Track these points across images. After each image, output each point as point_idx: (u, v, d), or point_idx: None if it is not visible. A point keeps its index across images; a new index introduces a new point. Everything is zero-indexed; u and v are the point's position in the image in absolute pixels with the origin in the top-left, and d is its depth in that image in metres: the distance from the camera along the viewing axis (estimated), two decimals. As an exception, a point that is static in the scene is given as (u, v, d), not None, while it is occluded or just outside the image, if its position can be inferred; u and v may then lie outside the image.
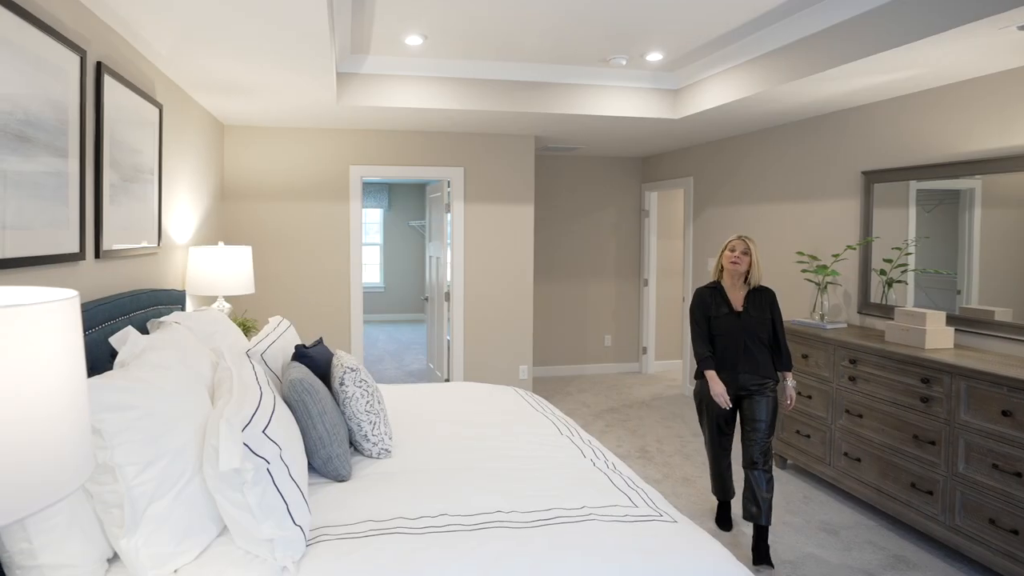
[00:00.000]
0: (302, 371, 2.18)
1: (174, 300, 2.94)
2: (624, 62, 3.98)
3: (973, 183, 3.15)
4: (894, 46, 2.70)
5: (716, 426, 3.03)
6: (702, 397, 3.02)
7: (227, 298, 4.49)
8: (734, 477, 3.68)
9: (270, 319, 2.82)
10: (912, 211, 3.49)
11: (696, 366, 3.01)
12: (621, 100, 4.34)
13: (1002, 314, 2.99)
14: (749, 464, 2.87)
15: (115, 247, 2.44)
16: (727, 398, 2.89)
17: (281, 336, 2.61)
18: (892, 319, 3.28)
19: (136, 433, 1.48)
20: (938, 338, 3.02)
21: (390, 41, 3.64)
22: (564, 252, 6.61)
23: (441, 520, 1.78)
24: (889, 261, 3.56)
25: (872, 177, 3.74)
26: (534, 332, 6.43)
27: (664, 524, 1.81)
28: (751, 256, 2.94)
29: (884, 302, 3.62)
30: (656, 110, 4.40)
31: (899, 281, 3.52)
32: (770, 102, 3.80)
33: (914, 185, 3.48)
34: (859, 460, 3.26)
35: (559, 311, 6.63)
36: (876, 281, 3.68)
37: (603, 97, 4.32)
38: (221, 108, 4.13)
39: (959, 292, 3.21)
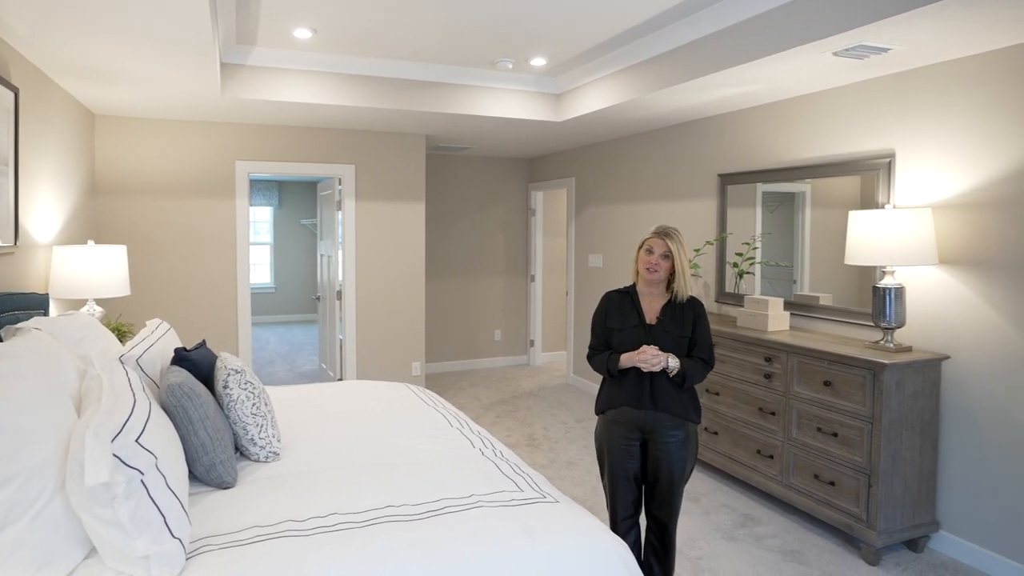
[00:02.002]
0: (182, 375, 2.14)
1: (35, 304, 2.77)
2: (510, 65, 4.16)
3: (804, 187, 3.63)
4: (737, 63, 3.07)
5: (615, 477, 2.33)
6: (602, 442, 2.36)
7: (99, 301, 4.22)
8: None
9: (148, 322, 2.72)
10: (759, 210, 3.95)
11: (597, 401, 2.39)
12: (508, 102, 4.53)
13: (825, 299, 3.48)
14: (649, 518, 2.38)
15: (-36, 250, 2.29)
16: (656, 359, 2.16)
17: (160, 340, 2.53)
18: (743, 306, 3.70)
19: None
20: (777, 322, 3.46)
21: (278, 33, 3.58)
22: (455, 250, 6.75)
23: (331, 519, 1.77)
24: (740, 255, 4.00)
25: (727, 179, 4.17)
26: (426, 329, 6.52)
27: (547, 505, 1.91)
28: (673, 261, 2.22)
29: (737, 291, 4.06)
30: (540, 113, 4.63)
31: (748, 272, 3.97)
32: (641, 108, 4.13)
33: (760, 187, 3.93)
34: (716, 433, 3.66)
35: (450, 308, 6.76)
36: (730, 273, 4.12)
37: (490, 99, 4.49)
38: (91, 96, 3.87)
39: (794, 281, 3.69)
